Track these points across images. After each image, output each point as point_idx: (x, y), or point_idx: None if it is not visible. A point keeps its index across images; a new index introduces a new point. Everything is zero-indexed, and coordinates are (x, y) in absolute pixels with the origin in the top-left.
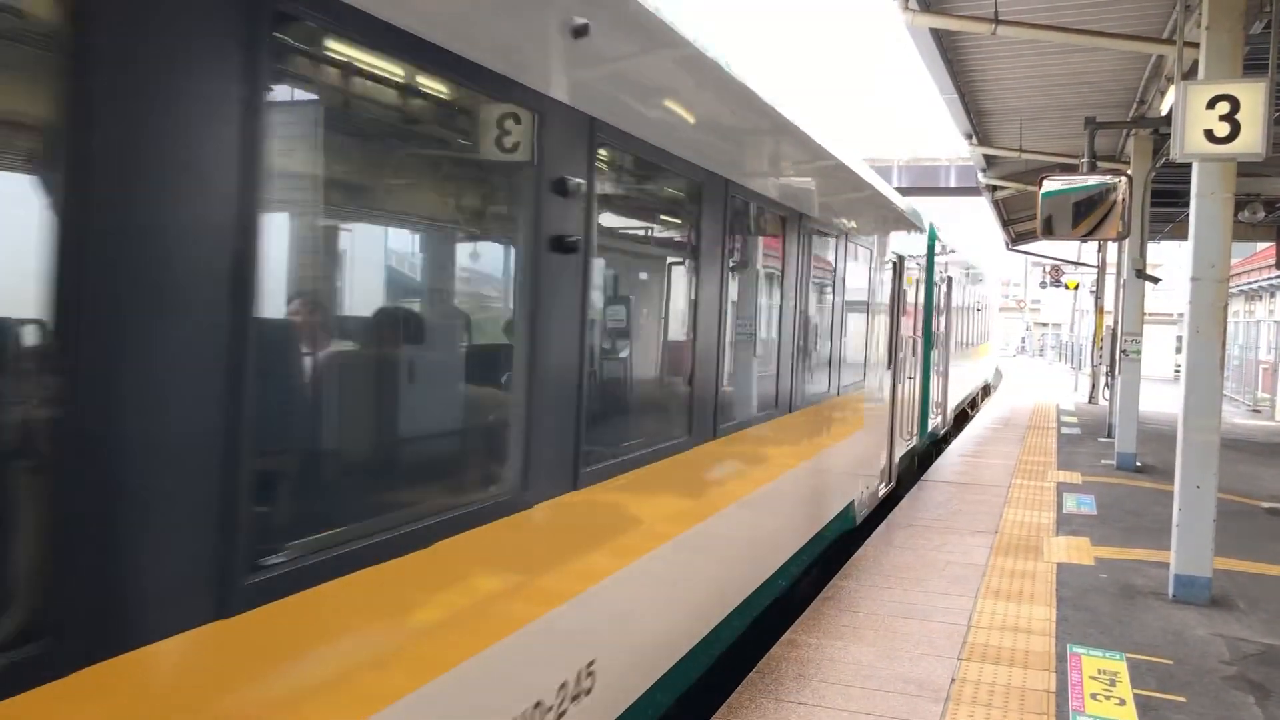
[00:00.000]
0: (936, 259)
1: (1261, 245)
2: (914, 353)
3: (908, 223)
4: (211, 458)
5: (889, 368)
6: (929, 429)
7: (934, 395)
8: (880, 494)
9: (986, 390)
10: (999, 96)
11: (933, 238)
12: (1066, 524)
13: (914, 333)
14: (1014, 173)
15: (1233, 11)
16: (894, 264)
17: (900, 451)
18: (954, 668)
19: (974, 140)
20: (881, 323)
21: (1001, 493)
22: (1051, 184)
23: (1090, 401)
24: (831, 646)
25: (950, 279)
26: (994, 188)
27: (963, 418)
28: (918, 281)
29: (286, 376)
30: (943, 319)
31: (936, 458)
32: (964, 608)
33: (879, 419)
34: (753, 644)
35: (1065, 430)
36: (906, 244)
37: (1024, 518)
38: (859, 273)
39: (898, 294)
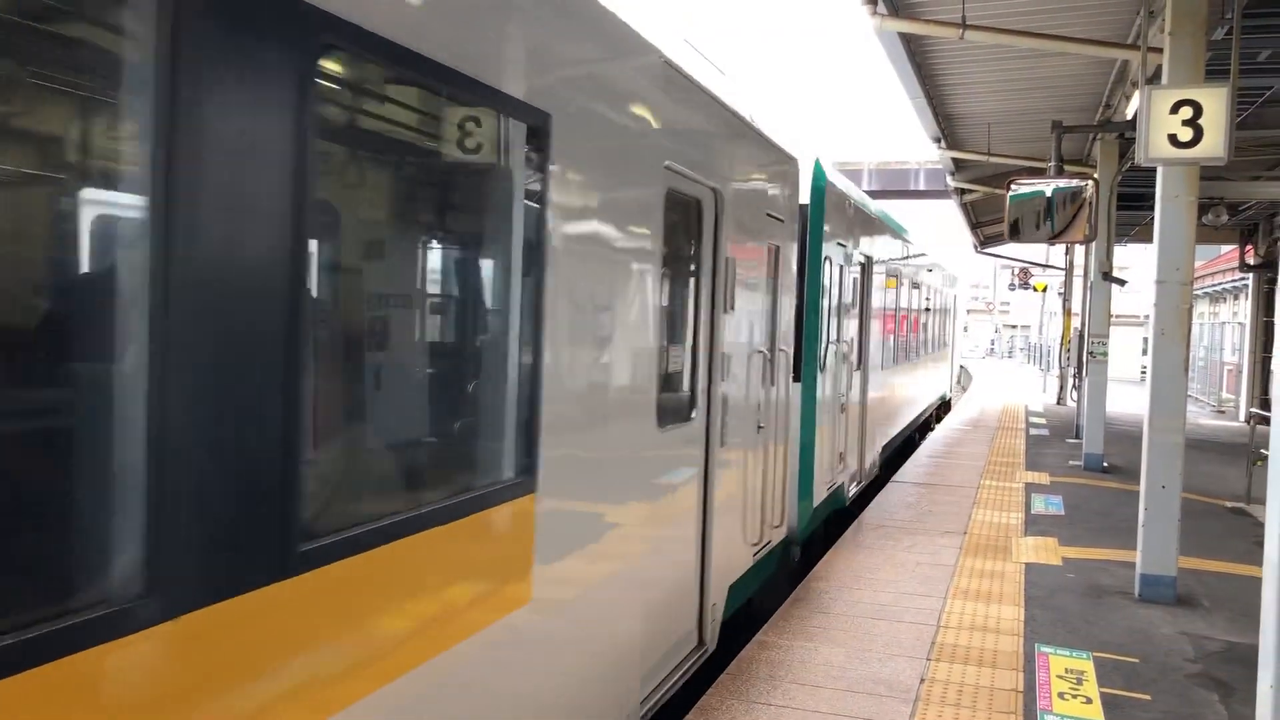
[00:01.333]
0: (831, 221)
1: (1226, 248)
2: (765, 381)
3: (740, 134)
4: None
5: (690, 415)
6: (825, 496)
7: (834, 442)
8: (677, 677)
9: (947, 405)
10: (967, 100)
11: (820, 182)
12: (1035, 524)
13: (767, 344)
14: (982, 176)
15: (1195, 17)
16: (694, 205)
17: (731, 579)
18: (923, 668)
19: (942, 144)
20: (653, 326)
21: (970, 494)
22: (1019, 187)
23: (1058, 403)
24: (802, 648)
25: (869, 260)
26: (963, 191)
27: (909, 445)
28: (777, 252)
29: None
30: (853, 320)
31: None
32: (933, 608)
33: (647, 543)
34: (724, 645)
35: (1034, 431)
36: (739, 176)
37: (993, 518)
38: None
39: (712, 269)
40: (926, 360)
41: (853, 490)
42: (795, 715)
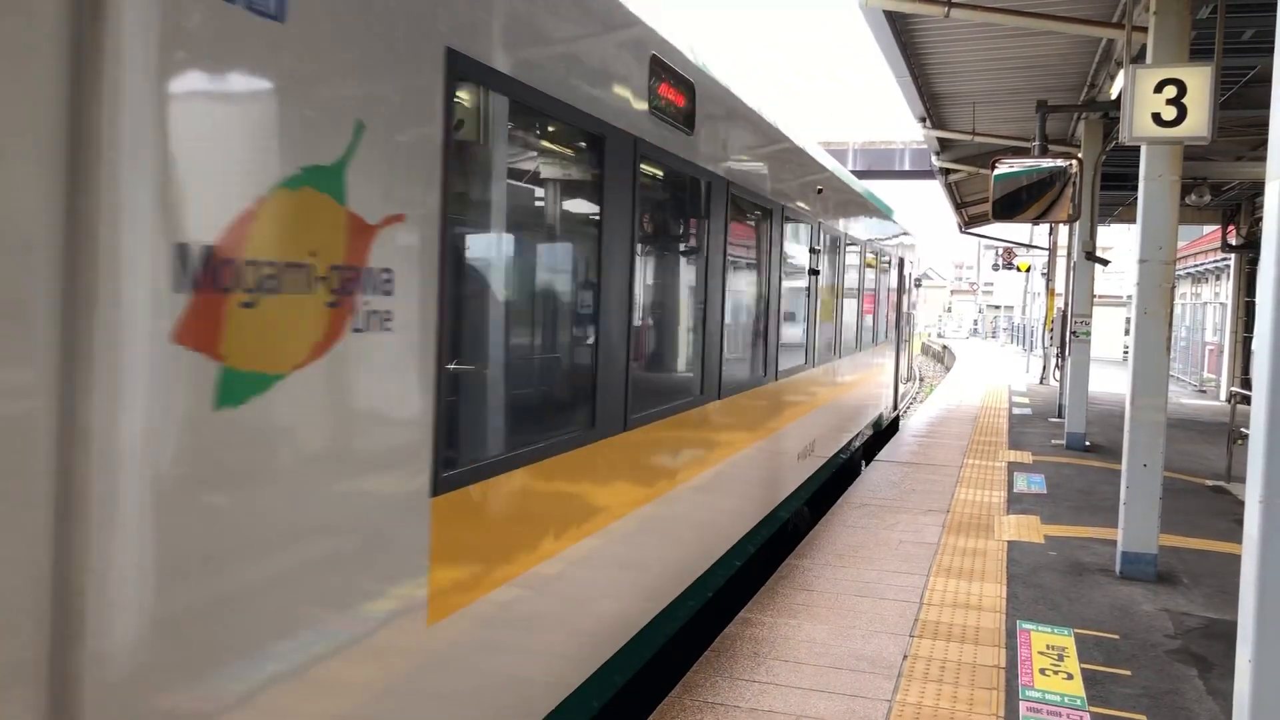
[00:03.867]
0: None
1: (1208, 228)
2: None
3: None
4: None
5: None
6: None
7: None
8: None
9: (893, 426)
10: (952, 80)
11: None
12: (1017, 503)
13: None
14: (967, 156)
15: None
16: None
17: None
18: (906, 644)
19: (927, 123)
20: None
21: (953, 472)
22: (1003, 167)
23: (1041, 383)
24: (785, 625)
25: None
26: (947, 171)
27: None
28: None
29: None
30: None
31: None
32: (916, 585)
33: None
34: (708, 622)
35: (1017, 411)
36: None
37: (975, 497)
38: None
39: None
40: (821, 379)
41: None
42: (779, 691)
